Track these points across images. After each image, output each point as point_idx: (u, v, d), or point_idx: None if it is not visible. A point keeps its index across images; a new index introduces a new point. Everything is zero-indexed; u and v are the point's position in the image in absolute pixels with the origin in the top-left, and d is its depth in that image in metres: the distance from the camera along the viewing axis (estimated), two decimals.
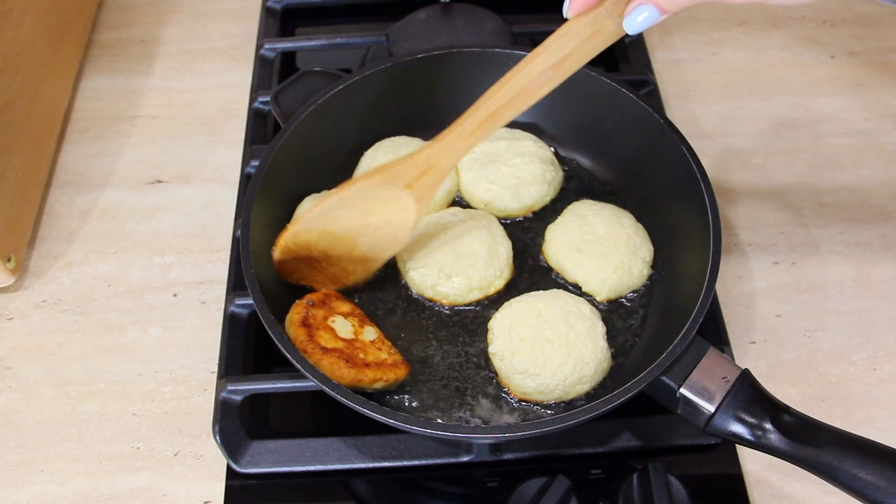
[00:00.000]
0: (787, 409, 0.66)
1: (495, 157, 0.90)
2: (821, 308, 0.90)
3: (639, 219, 0.88)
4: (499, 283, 0.84)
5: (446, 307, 0.83)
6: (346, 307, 0.79)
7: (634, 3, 0.64)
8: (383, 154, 0.89)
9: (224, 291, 0.88)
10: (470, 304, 0.83)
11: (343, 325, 0.77)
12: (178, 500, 0.78)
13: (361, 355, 0.74)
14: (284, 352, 0.69)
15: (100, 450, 0.81)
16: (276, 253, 0.79)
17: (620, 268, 0.82)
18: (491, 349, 0.78)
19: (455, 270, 0.82)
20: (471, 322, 0.82)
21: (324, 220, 0.77)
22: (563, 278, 0.85)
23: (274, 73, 1.11)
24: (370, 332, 0.77)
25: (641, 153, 0.88)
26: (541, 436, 0.66)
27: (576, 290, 0.83)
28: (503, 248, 0.84)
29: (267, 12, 1.18)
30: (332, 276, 0.82)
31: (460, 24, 1.08)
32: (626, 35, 0.67)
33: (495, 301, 0.83)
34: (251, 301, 0.75)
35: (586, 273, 0.83)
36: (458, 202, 0.91)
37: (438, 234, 0.84)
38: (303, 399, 0.84)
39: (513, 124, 0.94)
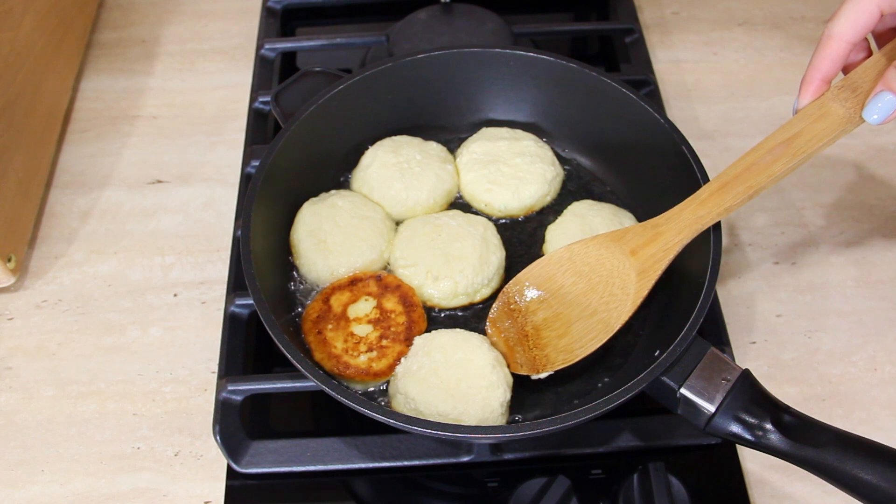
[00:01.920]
0: (787, 409, 0.66)
1: (496, 156, 0.90)
2: (821, 308, 0.90)
3: (639, 219, 0.88)
4: (485, 292, 0.83)
5: (435, 309, 0.83)
6: (394, 307, 0.80)
7: (875, 90, 0.65)
8: (384, 153, 0.89)
9: (224, 291, 0.88)
10: (454, 309, 0.83)
11: (363, 308, 0.80)
12: (179, 500, 0.78)
13: (330, 326, 0.78)
14: (284, 352, 0.69)
15: (100, 450, 0.81)
16: (496, 305, 0.80)
17: None
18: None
19: (442, 273, 0.82)
20: (454, 326, 0.81)
21: (547, 271, 0.79)
22: None
23: (274, 73, 1.12)
24: (364, 330, 0.78)
25: (642, 153, 0.88)
26: (541, 436, 0.66)
27: None
28: (495, 258, 0.83)
29: (267, 12, 1.18)
30: (532, 359, 0.78)
31: (460, 24, 1.08)
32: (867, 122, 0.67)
33: (481, 309, 0.83)
34: (251, 301, 0.75)
35: None
36: (459, 202, 0.91)
37: (433, 234, 0.84)
38: (303, 399, 0.84)
39: (513, 124, 0.95)
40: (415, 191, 0.87)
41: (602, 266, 0.77)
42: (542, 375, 0.76)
